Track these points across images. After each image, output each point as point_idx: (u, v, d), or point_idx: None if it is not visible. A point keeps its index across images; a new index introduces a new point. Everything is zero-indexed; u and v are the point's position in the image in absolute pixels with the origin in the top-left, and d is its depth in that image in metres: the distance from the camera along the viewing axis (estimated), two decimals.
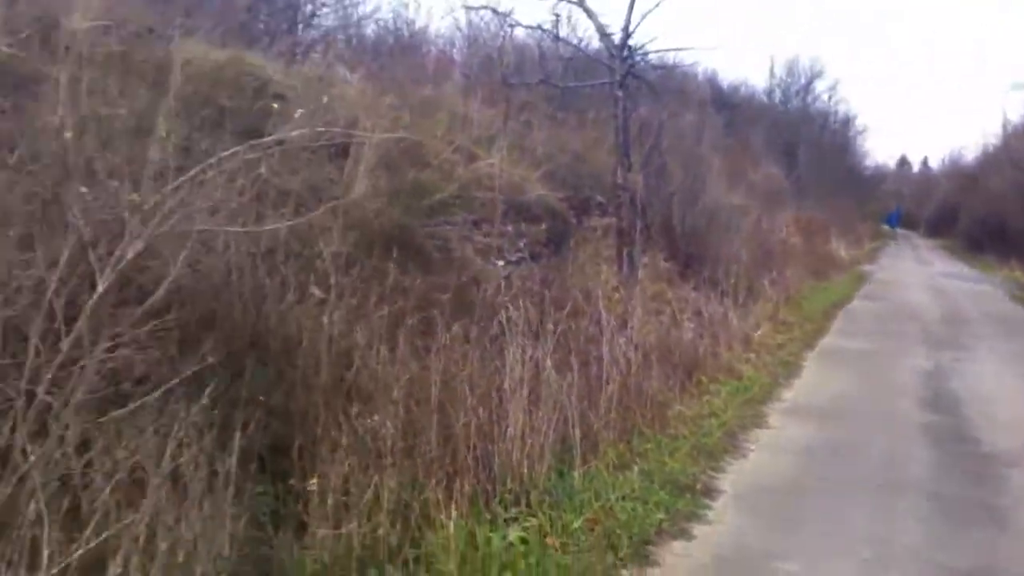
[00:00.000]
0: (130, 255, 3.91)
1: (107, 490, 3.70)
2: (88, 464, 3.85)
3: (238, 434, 4.04)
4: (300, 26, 13.83)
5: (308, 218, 5.72)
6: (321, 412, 5.03)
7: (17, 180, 4.51)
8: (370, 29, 16.78)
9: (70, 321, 3.89)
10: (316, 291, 6.10)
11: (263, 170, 4.69)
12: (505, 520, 5.08)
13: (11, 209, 4.32)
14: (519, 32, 15.64)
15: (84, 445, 3.89)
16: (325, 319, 5.73)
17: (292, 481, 4.72)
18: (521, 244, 10.26)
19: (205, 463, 3.88)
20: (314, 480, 4.52)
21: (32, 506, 3.49)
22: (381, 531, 4.47)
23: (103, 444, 3.88)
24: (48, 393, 3.75)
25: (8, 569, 3.36)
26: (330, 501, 4.44)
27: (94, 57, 6.09)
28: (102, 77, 6.05)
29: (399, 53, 14.86)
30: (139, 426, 3.96)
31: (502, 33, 15.11)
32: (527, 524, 5.10)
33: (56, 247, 4.02)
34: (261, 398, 4.63)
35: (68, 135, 4.47)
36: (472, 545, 4.63)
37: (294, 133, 4.72)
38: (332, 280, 6.04)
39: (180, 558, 3.63)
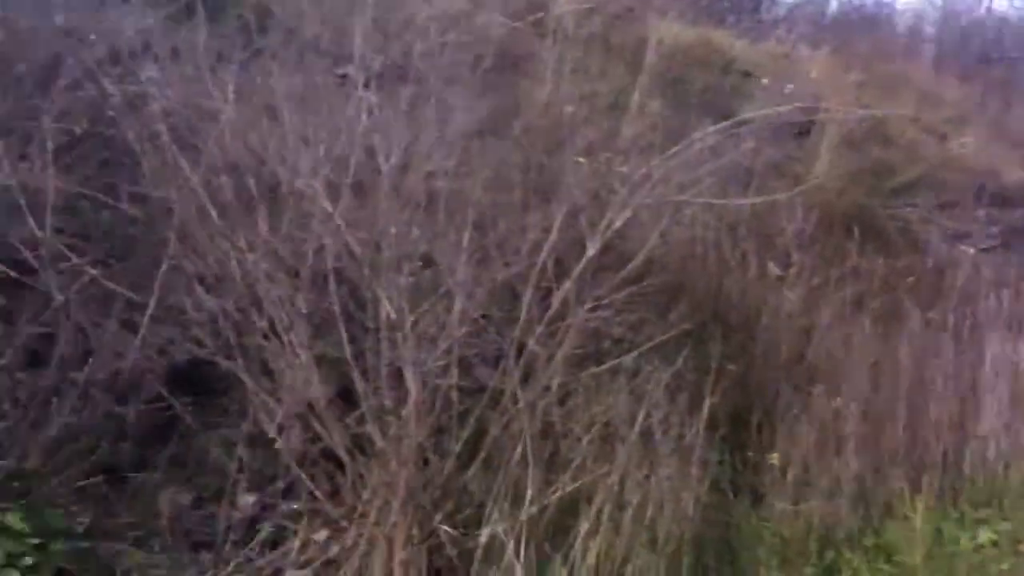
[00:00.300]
0: (618, 223, 4.13)
1: (584, 441, 3.96)
2: (568, 415, 4.15)
3: (707, 402, 4.14)
4: (765, 3, 13.75)
5: (775, 197, 5.69)
6: (781, 388, 5.02)
7: (515, 151, 4.95)
8: (834, 4, 16.27)
9: (558, 281, 4.20)
10: (775, 268, 6.08)
11: (750, 145, 4.74)
12: (975, 520, 4.79)
13: (511, 178, 4.74)
14: (1000, 3, 14.37)
15: (564, 397, 4.20)
16: (784, 296, 5.71)
17: (750, 453, 4.77)
18: (994, 231, 9.44)
19: (676, 425, 4.03)
20: (775, 454, 4.54)
21: (519, 448, 3.82)
22: (841, 514, 4.40)
23: (583, 397, 4.16)
24: (536, 346, 4.09)
25: (494, 503, 3.68)
26: (789, 477, 4.44)
27: (577, 37, 6.51)
28: (584, 56, 6.45)
29: (864, 28, 14.23)
30: (614, 384, 4.20)
31: (982, 4, 13.99)
32: (998, 528, 4.75)
33: (549, 213, 4.36)
34: (731, 367, 4.72)
35: (569, 109, 4.81)
36: (938, 542, 4.42)
37: (779, 109, 4.71)
38: (792, 258, 5.99)
39: (648, 512, 3.81)
